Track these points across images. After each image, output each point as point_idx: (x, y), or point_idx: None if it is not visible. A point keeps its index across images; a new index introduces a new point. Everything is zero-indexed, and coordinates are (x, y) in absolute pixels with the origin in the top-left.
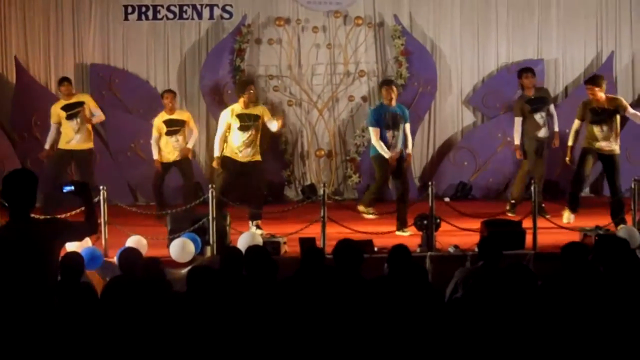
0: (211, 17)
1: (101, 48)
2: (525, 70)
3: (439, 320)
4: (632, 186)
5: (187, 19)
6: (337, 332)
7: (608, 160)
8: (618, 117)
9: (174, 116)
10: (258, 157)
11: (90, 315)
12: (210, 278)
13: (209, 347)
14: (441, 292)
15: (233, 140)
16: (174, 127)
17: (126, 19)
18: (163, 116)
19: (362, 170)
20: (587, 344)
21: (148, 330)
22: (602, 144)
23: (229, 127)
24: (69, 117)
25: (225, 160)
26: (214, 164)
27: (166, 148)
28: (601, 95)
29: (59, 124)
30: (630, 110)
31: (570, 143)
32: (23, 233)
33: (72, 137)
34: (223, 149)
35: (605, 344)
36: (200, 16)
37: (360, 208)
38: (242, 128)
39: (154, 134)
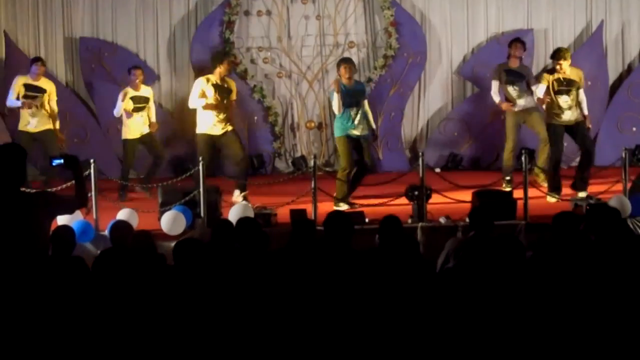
0: None
1: (90, 22)
2: (516, 40)
3: (430, 290)
4: (623, 155)
5: None
6: (329, 304)
7: (575, 128)
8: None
9: (140, 93)
10: (231, 127)
11: (82, 288)
12: (197, 250)
13: (198, 320)
14: (432, 263)
15: (207, 114)
16: (141, 104)
17: None
18: (130, 92)
19: None
20: (578, 314)
21: (139, 303)
22: (567, 114)
23: (203, 94)
24: (25, 97)
25: (203, 138)
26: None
27: (131, 125)
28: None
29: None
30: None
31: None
32: (12, 206)
33: (28, 120)
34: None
35: (596, 314)
36: None
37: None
38: (217, 99)
39: (125, 108)
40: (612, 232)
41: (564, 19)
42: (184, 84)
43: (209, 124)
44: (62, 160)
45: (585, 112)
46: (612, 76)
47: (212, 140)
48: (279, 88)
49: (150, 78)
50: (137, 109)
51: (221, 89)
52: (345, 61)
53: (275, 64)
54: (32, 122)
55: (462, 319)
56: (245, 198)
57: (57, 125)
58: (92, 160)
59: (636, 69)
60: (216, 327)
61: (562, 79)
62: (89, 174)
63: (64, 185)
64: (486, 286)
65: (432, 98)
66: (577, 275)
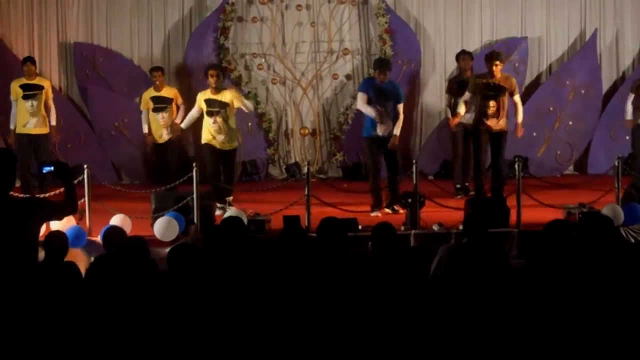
0: None
1: (85, 27)
2: (464, 52)
3: (422, 297)
4: (616, 164)
5: None
6: (321, 310)
7: (497, 138)
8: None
9: (162, 93)
10: (233, 145)
11: (74, 294)
12: (192, 256)
13: (191, 325)
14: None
15: (206, 126)
16: (161, 104)
17: None
18: (151, 92)
19: (346, 149)
20: (571, 321)
21: (132, 309)
22: (492, 121)
23: (200, 109)
24: (25, 97)
25: (207, 147)
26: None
27: (153, 125)
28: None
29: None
30: (517, 97)
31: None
32: (0, 212)
33: (27, 120)
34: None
35: (588, 321)
36: None
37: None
38: (208, 113)
39: (142, 109)
40: (605, 241)
41: (558, 27)
42: (177, 90)
43: (209, 135)
44: (52, 168)
45: (519, 119)
46: (606, 84)
47: (214, 151)
48: (273, 94)
49: (145, 83)
50: (156, 109)
51: (214, 103)
52: (381, 66)
53: (269, 70)
54: (31, 122)
55: (453, 325)
56: (229, 204)
57: (54, 122)
58: (85, 166)
59: (629, 77)
60: (210, 332)
61: (491, 84)
62: (83, 179)
63: (57, 191)
64: (476, 293)
65: (426, 105)
66: (569, 283)
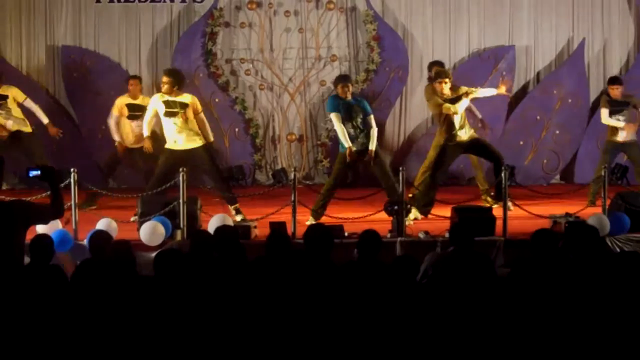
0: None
1: (73, 30)
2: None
3: (408, 304)
4: (602, 174)
5: (159, 1)
6: (307, 317)
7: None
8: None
9: (138, 102)
10: (197, 143)
11: (60, 297)
12: (177, 261)
13: (177, 330)
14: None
15: (165, 129)
16: (136, 112)
17: (98, 1)
18: (126, 99)
19: (333, 155)
20: (556, 331)
21: (117, 313)
22: (460, 133)
23: (155, 113)
24: None
25: (166, 151)
26: (145, 144)
27: (124, 130)
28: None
29: None
30: (480, 90)
31: None
32: None
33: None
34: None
35: (574, 330)
36: None
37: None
38: (167, 114)
39: (114, 113)
40: (591, 251)
41: (546, 36)
42: None
43: (169, 138)
44: (38, 172)
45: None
46: (593, 94)
47: (173, 154)
48: (261, 100)
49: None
50: (132, 117)
51: (173, 104)
52: (343, 80)
53: (257, 76)
54: (7, 124)
55: (439, 333)
56: (238, 211)
57: (45, 121)
58: (72, 170)
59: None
60: (195, 337)
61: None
62: (69, 183)
63: (44, 194)
64: (462, 301)
65: (413, 113)
66: (554, 292)
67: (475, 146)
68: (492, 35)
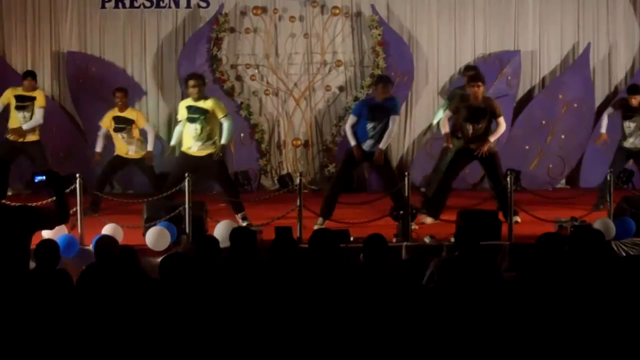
0: (188, 5)
1: (78, 36)
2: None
3: (414, 308)
4: (608, 178)
5: (164, 7)
6: (311, 321)
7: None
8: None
9: (124, 114)
10: (210, 150)
11: (66, 302)
12: (184, 266)
13: (182, 335)
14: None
15: (185, 134)
16: (121, 124)
17: (103, 7)
18: (114, 112)
19: (338, 160)
20: (561, 334)
21: (123, 318)
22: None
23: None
24: (18, 108)
25: (180, 155)
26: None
27: (115, 142)
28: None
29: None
30: (501, 119)
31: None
32: None
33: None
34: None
35: (579, 334)
36: (177, 4)
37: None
38: (190, 120)
39: (103, 127)
40: (596, 255)
41: (551, 41)
42: (170, 100)
43: (186, 143)
44: (44, 177)
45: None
46: (599, 99)
47: (187, 159)
48: (266, 105)
49: (137, 94)
50: (117, 129)
51: (195, 110)
52: (383, 80)
53: (262, 81)
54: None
55: (444, 337)
56: (244, 218)
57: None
58: (78, 175)
59: (622, 91)
60: (201, 342)
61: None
62: (75, 188)
63: (49, 200)
64: (468, 305)
65: (419, 118)
66: (560, 296)
67: (486, 160)
68: (498, 40)
